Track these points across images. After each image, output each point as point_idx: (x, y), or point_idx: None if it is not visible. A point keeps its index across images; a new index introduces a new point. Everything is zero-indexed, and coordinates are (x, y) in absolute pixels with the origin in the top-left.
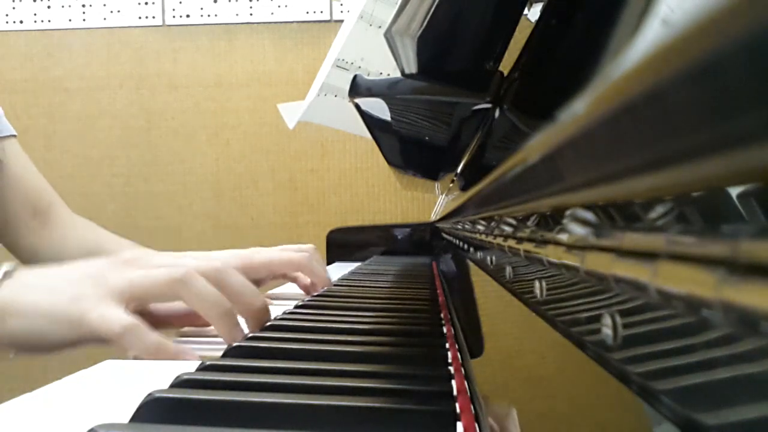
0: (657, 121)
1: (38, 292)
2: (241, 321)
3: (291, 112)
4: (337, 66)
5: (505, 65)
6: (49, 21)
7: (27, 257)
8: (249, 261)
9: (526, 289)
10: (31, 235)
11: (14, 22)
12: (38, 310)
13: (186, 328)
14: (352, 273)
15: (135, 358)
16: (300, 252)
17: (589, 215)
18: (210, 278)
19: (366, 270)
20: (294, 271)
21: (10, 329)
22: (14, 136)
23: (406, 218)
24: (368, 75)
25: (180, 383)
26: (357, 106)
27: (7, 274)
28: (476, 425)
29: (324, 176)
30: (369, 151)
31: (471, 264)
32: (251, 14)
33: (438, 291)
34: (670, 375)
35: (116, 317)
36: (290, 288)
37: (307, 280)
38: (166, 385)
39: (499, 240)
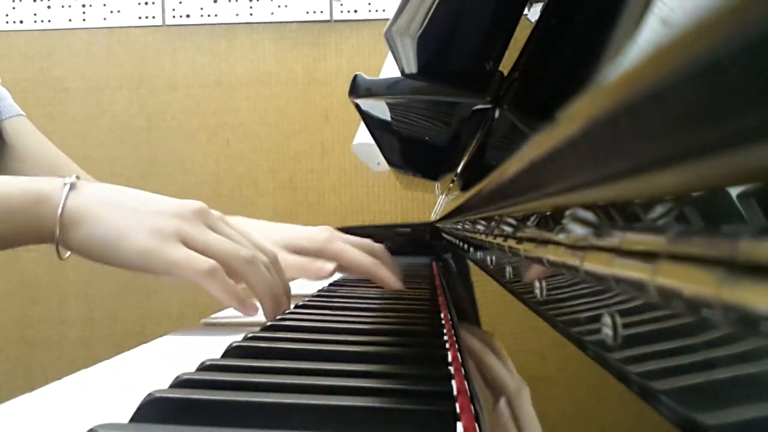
0: (657, 121)
1: (115, 209)
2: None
3: (369, 153)
4: None
5: (505, 65)
6: (49, 21)
7: None
8: (325, 248)
9: (526, 289)
10: None
11: (14, 22)
12: (115, 227)
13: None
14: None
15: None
16: (372, 256)
17: (589, 215)
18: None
19: None
20: (358, 273)
21: (82, 236)
22: (23, 115)
23: (406, 218)
24: None
25: (180, 383)
26: (357, 106)
27: (73, 186)
28: (476, 425)
29: (324, 176)
30: None
31: (471, 264)
32: (251, 14)
33: (438, 291)
34: (670, 375)
35: (201, 259)
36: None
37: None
38: (165, 386)
39: (499, 240)
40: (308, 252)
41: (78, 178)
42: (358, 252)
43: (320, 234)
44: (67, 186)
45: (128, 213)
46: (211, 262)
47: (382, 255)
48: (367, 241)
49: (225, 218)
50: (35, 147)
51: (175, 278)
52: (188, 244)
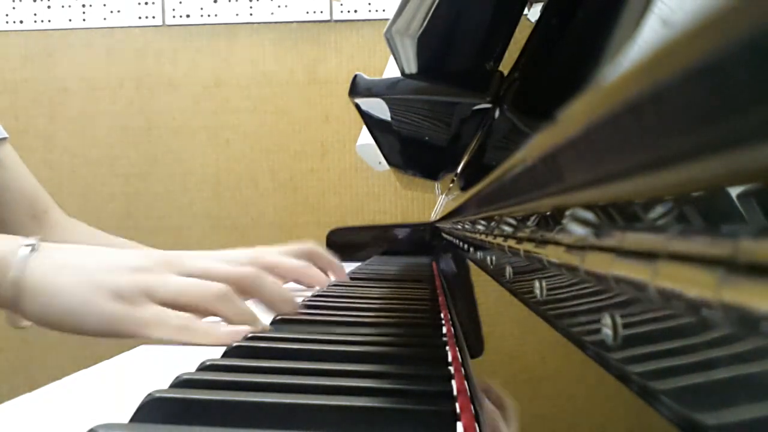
0: (656, 121)
1: (74, 274)
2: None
3: (371, 153)
4: None
5: (505, 65)
6: (49, 21)
7: None
8: (257, 262)
9: (526, 289)
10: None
11: (14, 22)
12: (76, 295)
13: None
14: (352, 273)
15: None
16: (301, 254)
17: (589, 215)
18: (245, 287)
19: (366, 270)
20: (294, 279)
21: (41, 308)
22: (6, 138)
23: (406, 218)
24: None
25: (180, 383)
26: (357, 106)
27: (34, 248)
28: (476, 425)
29: (324, 176)
30: None
31: (471, 264)
32: (251, 14)
33: (438, 291)
34: (670, 375)
35: (171, 315)
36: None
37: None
38: (166, 385)
39: (499, 240)
40: None
41: (37, 241)
42: (289, 261)
43: (247, 253)
44: (27, 249)
45: (88, 277)
46: (182, 316)
47: (314, 253)
48: (295, 247)
49: (191, 254)
50: (17, 176)
51: (150, 338)
52: (155, 298)
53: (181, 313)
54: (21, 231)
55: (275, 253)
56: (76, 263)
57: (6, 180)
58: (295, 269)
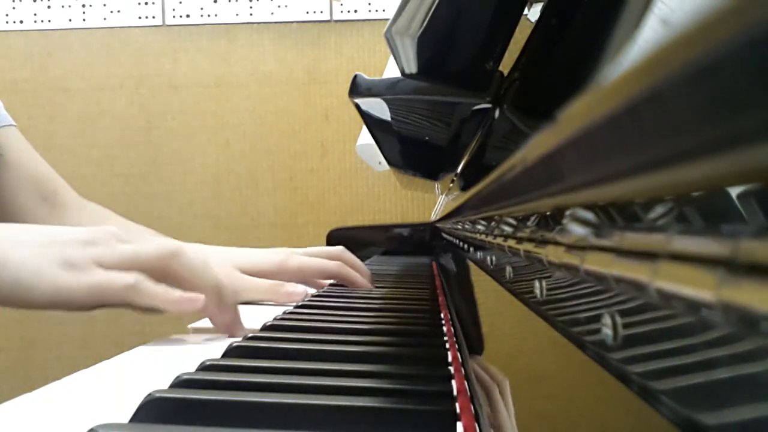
0: (656, 121)
1: (24, 248)
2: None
3: (371, 153)
4: None
5: (505, 65)
6: (49, 21)
7: None
8: (284, 266)
9: (526, 289)
10: (42, 222)
11: (14, 22)
12: (26, 266)
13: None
14: None
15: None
16: (332, 259)
17: (589, 215)
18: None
19: None
20: (325, 279)
21: None
22: (13, 125)
23: (406, 218)
24: None
25: (180, 383)
26: (357, 106)
27: None
28: (476, 425)
29: (324, 176)
30: None
31: (471, 264)
32: (251, 14)
33: (438, 291)
34: (670, 375)
35: (122, 275)
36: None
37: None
38: (166, 385)
39: (499, 240)
40: (268, 274)
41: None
42: (319, 260)
43: (276, 255)
44: None
45: (36, 249)
46: (133, 274)
47: (345, 257)
48: (326, 248)
49: (158, 236)
50: (24, 159)
51: (102, 305)
52: (104, 264)
53: (131, 273)
54: (31, 213)
55: (304, 254)
56: (25, 239)
57: (12, 167)
58: (327, 268)
